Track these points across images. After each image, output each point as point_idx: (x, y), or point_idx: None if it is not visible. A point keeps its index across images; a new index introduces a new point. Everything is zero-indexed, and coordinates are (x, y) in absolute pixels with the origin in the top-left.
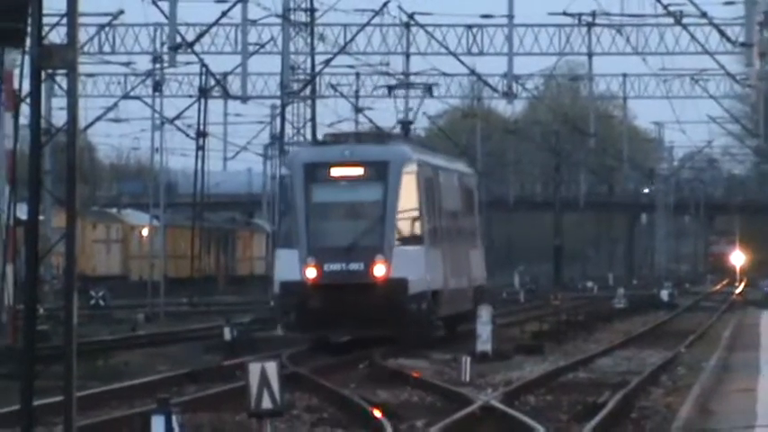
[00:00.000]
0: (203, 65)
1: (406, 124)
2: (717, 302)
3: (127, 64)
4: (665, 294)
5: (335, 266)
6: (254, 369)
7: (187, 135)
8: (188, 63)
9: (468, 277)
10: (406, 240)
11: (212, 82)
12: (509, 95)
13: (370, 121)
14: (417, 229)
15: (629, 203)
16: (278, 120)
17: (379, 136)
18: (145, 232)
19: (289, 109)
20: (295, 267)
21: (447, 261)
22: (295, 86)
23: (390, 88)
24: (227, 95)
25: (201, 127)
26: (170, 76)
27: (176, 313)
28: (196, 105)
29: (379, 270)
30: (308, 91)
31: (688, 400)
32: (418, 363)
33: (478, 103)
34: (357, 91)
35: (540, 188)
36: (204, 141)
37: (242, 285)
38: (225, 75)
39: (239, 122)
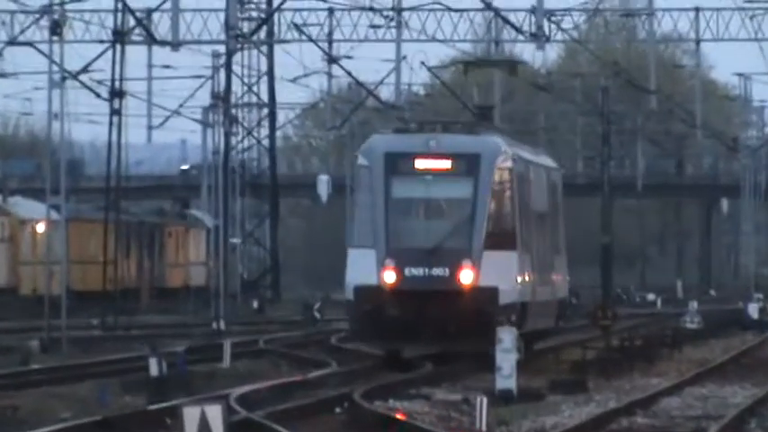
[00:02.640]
0: None
1: (485, 110)
2: None
3: None
4: (753, 310)
5: (417, 271)
6: (192, 415)
7: (97, 95)
8: None
9: (553, 289)
10: (496, 244)
11: (132, 22)
12: (539, 38)
13: (349, 74)
14: (509, 232)
15: (704, 185)
16: (222, 73)
17: (470, 125)
18: (40, 228)
19: (237, 59)
20: (371, 270)
21: (536, 269)
22: (245, 28)
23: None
24: (152, 40)
25: (117, 84)
26: (73, 15)
27: (84, 339)
28: (109, 54)
29: (467, 276)
30: (262, 34)
31: None
32: (416, 405)
33: (497, 48)
34: (330, 33)
35: (583, 165)
36: (121, 103)
37: (174, 301)
38: (149, 12)
39: (169, 77)
